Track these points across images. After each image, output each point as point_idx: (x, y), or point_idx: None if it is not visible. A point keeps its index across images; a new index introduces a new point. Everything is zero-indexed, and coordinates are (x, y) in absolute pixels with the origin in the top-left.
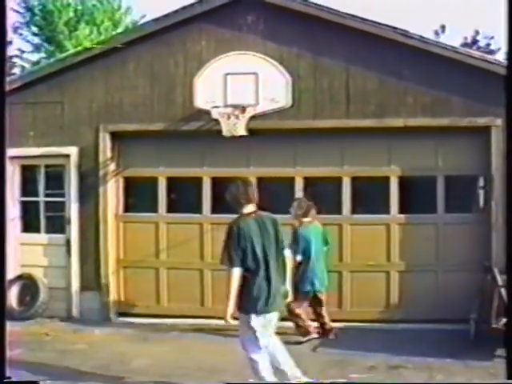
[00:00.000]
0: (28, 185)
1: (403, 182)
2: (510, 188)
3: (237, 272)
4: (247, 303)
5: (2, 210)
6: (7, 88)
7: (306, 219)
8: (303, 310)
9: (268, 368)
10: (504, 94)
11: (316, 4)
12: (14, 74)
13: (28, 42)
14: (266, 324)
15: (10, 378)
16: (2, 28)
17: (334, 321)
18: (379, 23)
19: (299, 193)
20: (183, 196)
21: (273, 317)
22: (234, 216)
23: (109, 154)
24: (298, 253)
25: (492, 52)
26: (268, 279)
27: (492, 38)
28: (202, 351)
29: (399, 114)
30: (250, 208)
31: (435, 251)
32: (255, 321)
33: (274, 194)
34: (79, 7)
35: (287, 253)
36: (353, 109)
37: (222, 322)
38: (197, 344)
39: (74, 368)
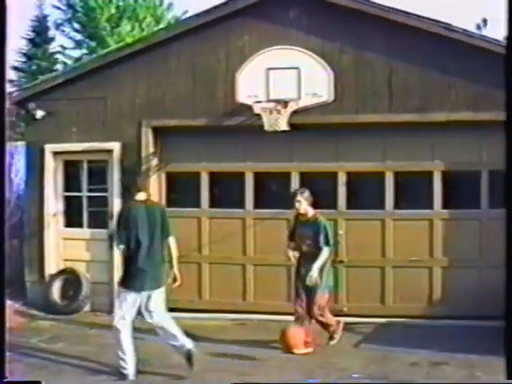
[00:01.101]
0: (71, 180)
1: (446, 177)
2: (510, 188)
3: (121, 249)
4: (124, 278)
5: (2, 210)
6: (50, 84)
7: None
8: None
9: (127, 339)
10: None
11: None
12: (56, 70)
13: (70, 38)
14: (137, 299)
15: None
16: (2, 28)
17: (376, 316)
18: (422, 17)
19: (342, 188)
20: (225, 191)
21: (152, 294)
22: (277, 211)
23: (151, 150)
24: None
25: None
26: (147, 260)
27: None
28: (244, 346)
29: (442, 108)
30: (141, 196)
31: (478, 247)
32: (128, 295)
33: (317, 189)
34: (121, 3)
35: (171, 239)
36: (395, 103)
37: (264, 316)
38: (239, 339)
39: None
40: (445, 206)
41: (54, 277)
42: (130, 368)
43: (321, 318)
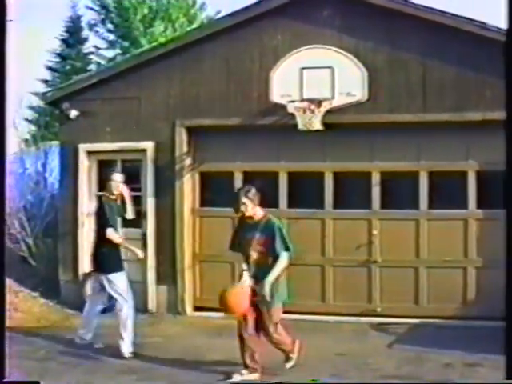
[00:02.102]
0: (105, 180)
1: (481, 177)
2: (510, 188)
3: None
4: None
5: (2, 209)
6: (84, 84)
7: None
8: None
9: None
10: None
11: None
12: (90, 70)
13: (103, 38)
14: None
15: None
16: (2, 28)
17: (409, 317)
18: (456, 15)
19: (376, 187)
20: (259, 190)
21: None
22: (311, 210)
23: (185, 149)
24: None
25: None
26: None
27: None
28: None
29: (477, 107)
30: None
31: None
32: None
33: (350, 189)
34: (154, 4)
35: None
36: (430, 102)
37: (297, 316)
38: None
39: (150, 361)
40: (479, 205)
41: (87, 275)
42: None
43: (276, 336)
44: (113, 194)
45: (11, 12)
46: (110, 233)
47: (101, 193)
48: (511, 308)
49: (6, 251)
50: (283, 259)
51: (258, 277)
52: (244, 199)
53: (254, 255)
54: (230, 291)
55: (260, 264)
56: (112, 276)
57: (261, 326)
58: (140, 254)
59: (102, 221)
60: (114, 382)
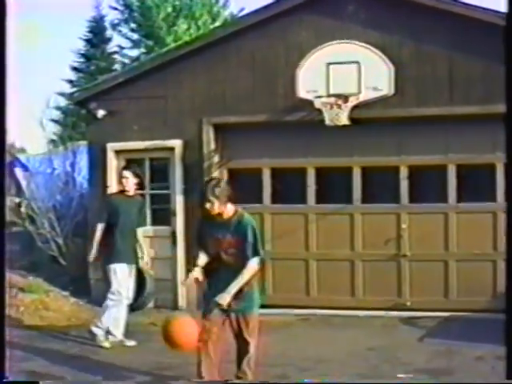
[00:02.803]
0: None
1: (509, 169)
2: (510, 184)
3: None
4: None
5: (2, 210)
6: (111, 83)
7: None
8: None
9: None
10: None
11: None
12: (114, 70)
13: (127, 38)
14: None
15: (7, 377)
16: (2, 28)
17: (439, 310)
18: (482, 7)
19: (404, 181)
20: (287, 186)
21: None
22: (339, 205)
23: (212, 146)
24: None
25: None
26: None
27: None
28: (308, 341)
29: (504, 100)
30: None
31: None
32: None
33: (379, 183)
34: (177, 2)
35: None
36: (457, 96)
37: (327, 311)
38: (302, 334)
39: (182, 358)
40: (508, 198)
41: None
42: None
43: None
44: (126, 191)
45: (11, 11)
46: (97, 228)
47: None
48: (511, 309)
49: (35, 251)
50: (251, 266)
51: (230, 280)
52: (210, 197)
53: (224, 257)
54: (173, 322)
55: (230, 267)
56: (111, 266)
57: (237, 336)
58: (90, 258)
59: (97, 216)
60: (146, 378)
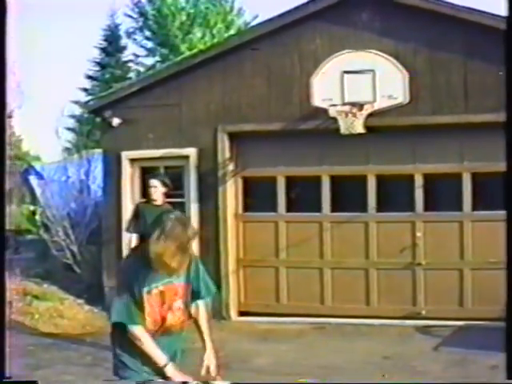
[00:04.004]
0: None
1: (510, 177)
2: (510, 188)
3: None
4: None
5: (2, 210)
6: (126, 92)
7: None
8: None
9: None
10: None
11: None
12: (129, 78)
13: (142, 46)
14: None
15: (10, 377)
16: (2, 28)
17: (454, 319)
18: (496, 15)
19: (419, 190)
20: (302, 195)
21: None
22: (354, 214)
23: (227, 155)
24: None
25: None
26: None
27: None
28: (322, 350)
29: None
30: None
31: None
32: None
33: (393, 192)
34: (192, 10)
35: None
36: (472, 103)
37: (341, 320)
38: (317, 343)
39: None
40: (508, 206)
41: None
42: None
43: None
44: (153, 200)
45: (12, 13)
46: (131, 240)
47: (142, 200)
48: (511, 309)
49: (50, 258)
50: None
51: None
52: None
53: None
54: None
55: None
56: None
57: None
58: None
59: (128, 226)
60: None
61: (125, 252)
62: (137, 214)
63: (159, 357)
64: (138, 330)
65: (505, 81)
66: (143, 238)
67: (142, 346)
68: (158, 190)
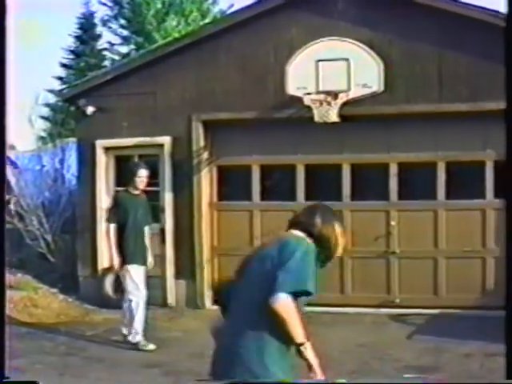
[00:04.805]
0: (122, 175)
1: (499, 167)
2: (509, 185)
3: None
4: None
5: (2, 209)
6: (100, 80)
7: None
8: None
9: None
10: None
11: None
12: (104, 66)
13: (117, 34)
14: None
15: (8, 377)
16: (2, 28)
17: (429, 307)
18: (471, 5)
19: (393, 178)
20: (277, 183)
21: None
22: (329, 203)
23: (202, 143)
24: None
25: None
26: None
27: None
28: None
29: (494, 97)
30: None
31: None
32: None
33: (368, 180)
34: None
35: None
36: (446, 93)
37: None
38: None
39: (171, 355)
40: (497, 195)
41: (106, 271)
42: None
43: None
44: (137, 190)
45: (11, 11)
46: (109, 230)
47: (120, 188)
48: (511, 308)
49: (24, 248)
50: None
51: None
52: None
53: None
54: None
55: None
56: (127, 267)
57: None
58: (115, 263)
59: (108, 216)
60: (136, 376)
61: (100, 241)
62: (116, 204)
63: (300, 334)
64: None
65: (505, 79)
66: (122, 228)
67: (291, 319)
68: (145, 180)
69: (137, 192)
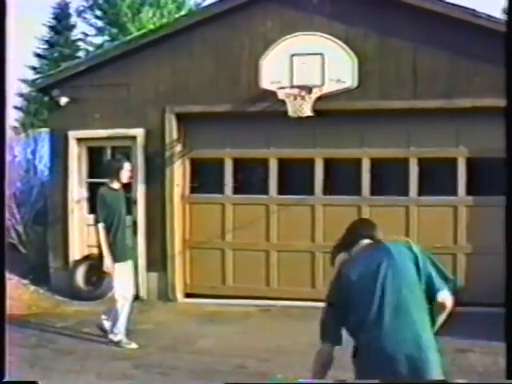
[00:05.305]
0: (95, 166)
1: (471, 164)
2: (510, 182)
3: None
4: None
5: (2, 209)
6: (74, 71)
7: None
8: None
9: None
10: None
11: None
12: (78, 57)
13: (92, 25)
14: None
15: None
16: (2, 27)
17: None
18: (447, 2)
19: (366, 174)
20: (249, 177)
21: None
22: (301, 197)
23: (175, 136)
24: None
25: None
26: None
27: None
28: (268, 332)
29: (467, 94)
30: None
31: (503, 234)
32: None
33: (340, 175)
34: None
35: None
36: (420, 89)
37: (287, 302)
38: (262, 325)
39: (142, 348)
40: (469, 192)
41: (78, 263)
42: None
43: None
44: (117, 184)
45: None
46: (99, 229)
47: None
48: (511, 307)
49: None
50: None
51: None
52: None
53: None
54: None
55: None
56: (116, 266)
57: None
58: (108, 266)
59: (96, 215)
60: (106, 369)
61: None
62: (102, 202)
63: None
64: None
65: (505, 79)
66: (109, 226)
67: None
68: (129, 174)
69: (117, 187)
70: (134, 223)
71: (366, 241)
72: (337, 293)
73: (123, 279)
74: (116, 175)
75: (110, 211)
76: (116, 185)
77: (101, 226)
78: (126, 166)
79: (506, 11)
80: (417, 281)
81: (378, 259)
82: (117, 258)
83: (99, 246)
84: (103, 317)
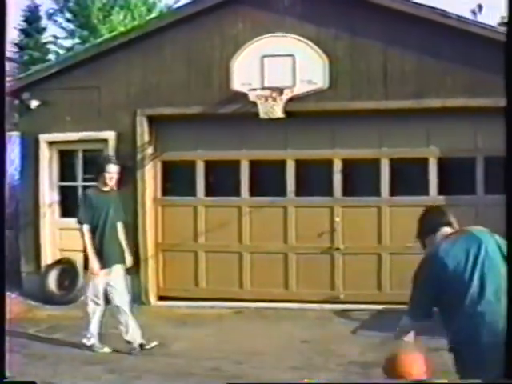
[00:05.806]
0: (66, 170)
1: (442, 164)
2: (509, 181)
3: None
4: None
5: (2, 208)
6: (44, 74)
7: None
8: None
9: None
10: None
11: None
12: (48, 60)
13: (62, 28)
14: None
15: (7, 377)
16: (2, 27)
17: (373, 303)
18: (417, 3)
19: (337, 175)
20: (221, 179)
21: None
22: (273, 198)
23: (146, 138)
24: None
25: None
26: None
27: None
28: (241, 334)
29: (438, 94)
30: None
31: None
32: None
33: (312, 176)
34: None
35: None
36: (391, 90)
37: (260, 304)
38: (236, 327)
39: (115, 352)
40: (440, 192)
41: (50, 267)
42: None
43: None
44: (106, 186)
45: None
46: (83, 230)
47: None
48: (511, 307)
49: None
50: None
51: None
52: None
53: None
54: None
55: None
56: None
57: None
58: (93, 270)
59: (78, 216)
60: (79, 373)
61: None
62: (86, 203)
63: None
64: None
65: (505, 79)
66: (95, 228)
67: None
68: (115, 176)
69: (106, 188)
70: None
71: (447, 228)
72: (430, 277)
73: (97, 284)
74: (100, 176)
75: (95, 213)
76: (104, 186)
77: (85, 227)
78: (109, 167)
79: (505, 11)
80: (505, 269)
81: (471, 246)
82: (104, 262)
83: (85, 249)
84: (122, 328)
